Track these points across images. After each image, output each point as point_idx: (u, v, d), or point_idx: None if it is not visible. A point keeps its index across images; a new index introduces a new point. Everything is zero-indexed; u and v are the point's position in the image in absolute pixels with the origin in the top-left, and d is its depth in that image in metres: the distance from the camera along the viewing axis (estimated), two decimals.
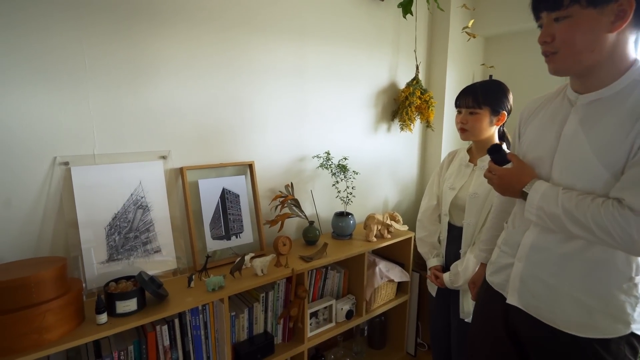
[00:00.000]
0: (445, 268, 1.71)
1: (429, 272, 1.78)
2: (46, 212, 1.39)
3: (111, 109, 1.49)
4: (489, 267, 1.27)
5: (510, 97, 1.52)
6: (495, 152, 1.13)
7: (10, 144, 1.31)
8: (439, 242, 1.76)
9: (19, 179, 1.33)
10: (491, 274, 1.25)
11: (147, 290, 1.34)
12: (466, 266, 1.51)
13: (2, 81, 1.28)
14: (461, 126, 1.55)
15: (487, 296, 1.27)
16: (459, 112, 1.58)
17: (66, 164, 1.41)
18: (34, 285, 1.14)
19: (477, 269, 1.44)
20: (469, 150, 1.67)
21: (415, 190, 2.86)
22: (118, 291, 1.32)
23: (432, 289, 1.79)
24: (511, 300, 1.14)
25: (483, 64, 2.36)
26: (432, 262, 1.72)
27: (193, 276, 1.54)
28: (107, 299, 1.30)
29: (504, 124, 1.57)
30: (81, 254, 1.42)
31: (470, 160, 1.63)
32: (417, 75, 2.45)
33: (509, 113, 1.53)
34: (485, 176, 1.14)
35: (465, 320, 1.59)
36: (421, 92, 2.36)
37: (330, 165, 2.10)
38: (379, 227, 2.15)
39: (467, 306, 1.57)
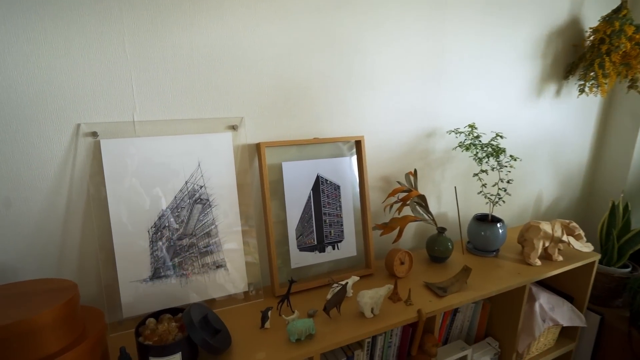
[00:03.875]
0: None
1: None
2: (70, 205, 0.96)
3: (157, 54, 0.98)
4: None
5: None
6: None
7: (12, 105, 0.86)
8: None
9: (26, 158, 0.90)
10: None
11: (196, 341, 0.84)
12: None
13: None
14: None
15: None
16: None
17: (94, 134, 0.94)
18: (15, 338, 0.69)
19: None
20: None
21: (582, 183, 1.97)
22: (155, 341, 0.84)
23: None
24: None
25: None
26: None
27: (269, 312, 1.00)
28: (140, 352, 0.83)
29: None
30: (115, 268, 0.97)
31: None
32: (624, 3, 1.52)
33: None
34: None
35: None
36: (634, 31, 1.45)
37: (477, 145, 1.37)
38: (546, 244, 1.39)
39: None
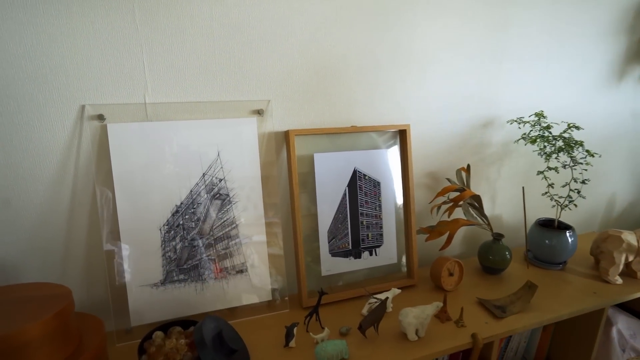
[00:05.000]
0: None
1: None
2: (75, 198, 0.85)
3: (172, 25, 0.84)
4: None
5: None
6: None
7: (9, 82, 0.76)
8: None
9: (26, 143, 0.79)
10: None
11: None
12: None
13: None
14: None
15: None
16: None
17: (100, 118, 0.83)
18: None
19: None
20: None
21: None
22: None
23: None
24: None
25: None
26: None
27: (295, 328, 0.86)
28: None
29: None
30: (123, 270, 0.86)
31: None
32: None
33: None
34: None
35: None
36: None
37: (545, 137, 1.15)
38: (630, 258, 1.15)
39: None
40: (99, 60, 0.80)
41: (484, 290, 1.10)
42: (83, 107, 0.81)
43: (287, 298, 1.01)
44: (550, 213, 1.37)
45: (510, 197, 1.35)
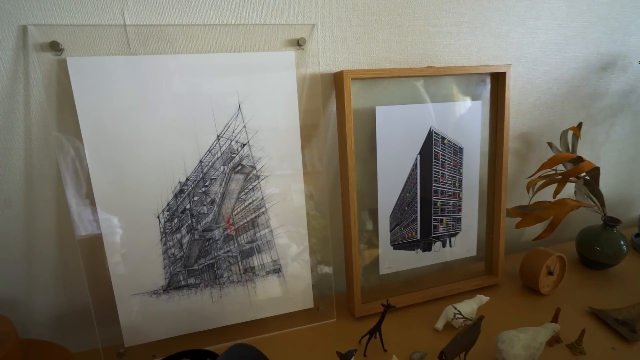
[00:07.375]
0: None
1: None
2: (32, 173, 0.58)
3: None
4: None
5: None
6: None
7: None
8: None
9: None
10: None
11: None
12: None
13: None
14: None
15: None
16: None
17: (55, 47, 0.52)
18: None
19: None
20: None
21: None
22: None
23: None
24: None
25: None
26: None
27: (352, 357, 0.60)
28: None
29: None
30: (108, 274, 0.60)
31: None
32: None
33: None
34: None
35: None
36: None
37: None
38: None
39: None
40: None
41: (589, 293, 0.82)
42: (24, 28, 0.51)
43: (333, 303, 0.75)
44: None
45: (615, 165, 1.03)
